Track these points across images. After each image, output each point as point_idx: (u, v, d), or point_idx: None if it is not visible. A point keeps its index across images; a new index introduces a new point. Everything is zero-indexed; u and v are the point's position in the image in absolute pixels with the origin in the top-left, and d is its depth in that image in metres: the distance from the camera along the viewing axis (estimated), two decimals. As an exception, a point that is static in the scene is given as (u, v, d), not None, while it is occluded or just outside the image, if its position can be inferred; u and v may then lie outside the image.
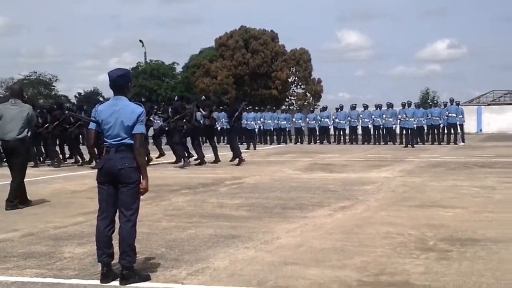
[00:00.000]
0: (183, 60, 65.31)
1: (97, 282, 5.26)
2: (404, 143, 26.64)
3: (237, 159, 17.76)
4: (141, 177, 5.38)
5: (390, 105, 28.45)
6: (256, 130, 29.86)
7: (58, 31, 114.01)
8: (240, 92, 52.50)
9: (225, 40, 54.36)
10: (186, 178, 13.80)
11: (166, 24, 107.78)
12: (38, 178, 14.27)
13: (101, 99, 53.90)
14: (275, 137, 31.89)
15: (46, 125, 18.44)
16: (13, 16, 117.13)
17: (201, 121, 18.30)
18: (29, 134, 10.05)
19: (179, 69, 62.25)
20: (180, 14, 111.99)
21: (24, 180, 10.02)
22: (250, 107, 32.00)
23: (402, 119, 27.02)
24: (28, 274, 5.58)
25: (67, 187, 12.10)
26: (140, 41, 59.28)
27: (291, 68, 54.94)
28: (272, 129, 31.57)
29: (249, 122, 28.80)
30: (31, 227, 7.95)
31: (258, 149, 25.74)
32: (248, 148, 25.88)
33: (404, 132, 27.17)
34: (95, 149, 6.69)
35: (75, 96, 73.62)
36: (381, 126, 28.69)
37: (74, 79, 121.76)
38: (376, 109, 29.04)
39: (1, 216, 8.94)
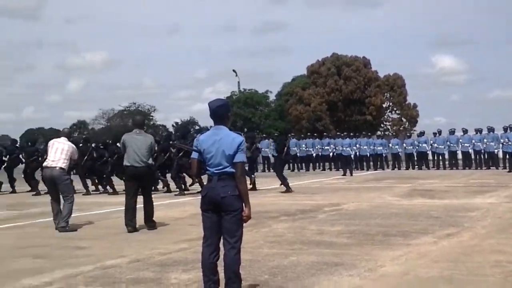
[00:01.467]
0: (276, 88, 65.72)
1: (204, 308, 5.33)
2: (508, 167, 25.70)
3: (286, 188, 18.04)
4: (244, 204, 5.44)
5: (491, 129, 27.59)
6: (352, 156, 29.56)
7: (154, 64, 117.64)
8: (334, 118, 52.35)
9: (317, 68, 54.39)
10: (285, 205, 13.83)
11: (258, 53, 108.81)
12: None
13: (196, 127, 55.01)
14: (371, 163, 31.48)
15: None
16: (112, 51, 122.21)
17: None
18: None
19: (272, 97, 62.83)
20: (271, 44, 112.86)
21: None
22: (345, 133, 31.76)
23: (504, 143, 26.14)
24: (137, 300, 5.73)
25: (170, 214, 12.37)
26: (234, 71, 60.25)
27: (385, 94, 54.26)
28: (368, 155, 31.19)
29: (344, 148, 28.55)
30: (137, 253, 8.18)
31: (355, 175, 25.47)
32: (344, 174, 25.66)
33: (507, 156, 26.24)
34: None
35: (172, 126, 75.37)
36: (482, 151, 27.85)
37: (171, 109, 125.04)
38: (476, 133, 28.20)
39: (108, 243, 9.24)
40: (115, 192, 18.57)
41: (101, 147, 20.49)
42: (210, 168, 5.50)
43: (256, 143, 20.29)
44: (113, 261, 7.70)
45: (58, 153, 10.89)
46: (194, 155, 5.70)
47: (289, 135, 20.47)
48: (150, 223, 10.73)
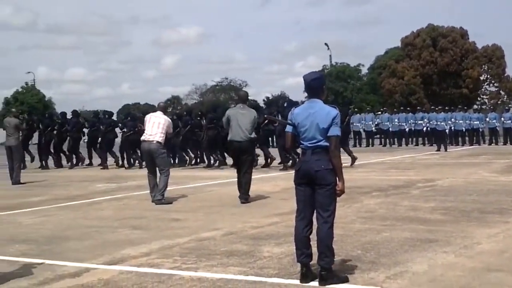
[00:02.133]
0: (369, 62, 64.73)
1: (297, 281, 5.37)
2: None
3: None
4: (337, 178, 5.42)
5: None
6: (447, 131, 28.77)
7: (245, 38, 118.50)
8: (428, 91, 51.04)
9: (412, 39, 53.04)
10: (377, 180, 13.69)
11: (349, 25, 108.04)
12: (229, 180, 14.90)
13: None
14: (467, 138, 30.58)
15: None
16: (205, 26, 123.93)
17: None
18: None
19: (364, 70, 61.94)
20: (363, 15, 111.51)
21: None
22: (439, 107, 30.95)
23: None
24: (232, 272, 5.85)
25: (262, 188, 12.48)
26: (326, 44, 59.76)
27: (483, 66, 52.32)
28: (463, 130, 30.31)
29: (439, 123, 27.79)
30: (230, 226, 8.33)
31: (450, 151, 24.83)
32: (438, 150, 25.03)
33: None
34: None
35: (263, 100, 75.80)
36: None
37: (262, 83, 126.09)
38: None
39: (202, 216, 9.46)
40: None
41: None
42: (304, 142, 5.50)
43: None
44: (207, 233, 7.88)
45: (155, 127, 11.16)
46: (289, 128, 5.71)
47: (350, 107, 20.30)
48: (244, 196, 10.88)
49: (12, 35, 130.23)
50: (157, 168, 11.21)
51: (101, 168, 20.90)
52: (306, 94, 5.79)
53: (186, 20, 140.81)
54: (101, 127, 22.11)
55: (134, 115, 23.12)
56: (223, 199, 11.32)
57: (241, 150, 10.90)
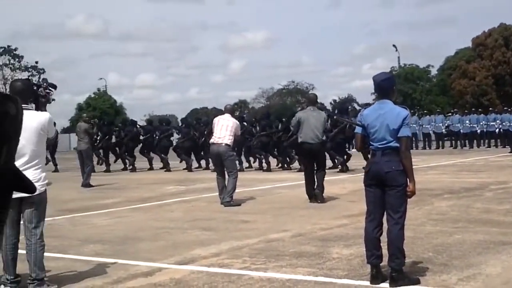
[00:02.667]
0: (438, 63, 63.40)
1: (367, 283, 5.34)
2: None
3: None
4: (408, 180, 5.35)
5: None
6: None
7: (312, 41, 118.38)
8: (500, 92, 49.66)
9: (483, 39, 51.77)
10: (448, 183, 13.42)
11: (419, 26, 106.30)
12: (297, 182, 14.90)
13: (355, 105, 54.51)
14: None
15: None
16: (272, 30, 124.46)
17: None
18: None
19: (434, 71, 60.72)
20: (434, 16, 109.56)
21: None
22: (511, 108, 30.03)
23: None
24: (301, 273, 5.85)
25: (330, 190, 12.37)
26: (394, 45, 58.97)
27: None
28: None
29: (512, 124, 27.05)
30: (299, 228, 8.33)
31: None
32: (512, 152, 24.35)
33: None
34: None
35: (330, 103, 75.55)
36: None
37: (329, 86, 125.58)
38: None
39: (271, 217, 9.50)
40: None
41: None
42: (373, 143, 5.47)
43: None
44: (276, 234, 7.91)
45: (224, 129, 11.27)
46: (358, 129, 5.69)
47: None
48: (320, 197, 11.00)
49: (84, 43, 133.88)
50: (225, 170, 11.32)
51: (165, 171, 21.33)
52: (373, 96, 5.77)
53: (253, 24, 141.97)
54: (156, 133, 22.75)
55: (189, 122, 23.64)
56: (292, 201, 11.33)
57: (313, 152, 11.02)
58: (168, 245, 7.55)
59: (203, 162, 21.88)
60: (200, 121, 23.17)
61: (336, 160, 18.60)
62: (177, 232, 8.44)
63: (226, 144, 11.18)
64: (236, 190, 11.50)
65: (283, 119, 20.63)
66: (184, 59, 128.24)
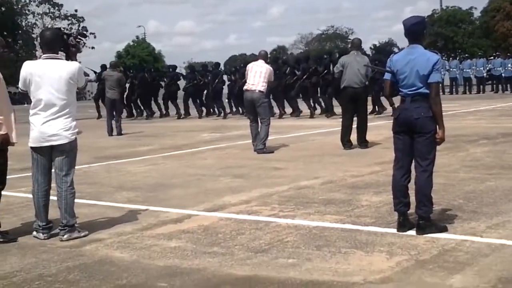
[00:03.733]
0: (482, 4, 61.66)
1: (394, 230, 5.31)
2: None
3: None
4: (437, 126, 5.25)
5: None
6: None
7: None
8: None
9: (530, -21, 50.06)
10: (485, 128, 13.19)
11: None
12: (332, 128, 14.83)
13: (395, 50, 53.59)
14: None
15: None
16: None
17: None
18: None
19: (477, 13, 59.06)
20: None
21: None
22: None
23: None
24: (328, 220, 5.86)
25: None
26: (436, -13, 57.49)
27: None
28: None
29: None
30: (330, 175, 8.32)
31: None
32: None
33: None
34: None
35: (370, 48, 74.35)
36: None
37: (369, 31, 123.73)
38: None
39: (303, 165, 9.50)
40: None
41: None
42: (403, 89, 5.36)
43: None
44: (306, 182, 7.91)
45: (257, 76, 11.20)
46: (387, 76, 5.57)
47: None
48: (364, 143, 11.08)
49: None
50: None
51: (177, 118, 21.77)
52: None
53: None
54: (165, 80, 23.02)
55: (193, 67, 23.97)
56: (325, 148, 11.30)
57: (357, 96, 11.00)
58: (199, 192, 7.63)
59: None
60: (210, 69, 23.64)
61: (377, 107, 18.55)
62: (209, 179, 8.51)
63: (260, 91, 11.12)
64: (270, 137, 11.51)
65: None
66: (222, 5, 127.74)
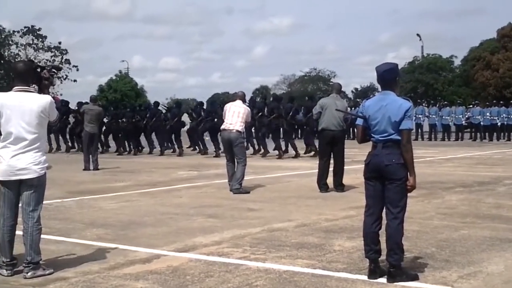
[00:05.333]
0: (462, 53, 62.64)
1: (365, 277, 5.26)
2: None
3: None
4: (408, 173, 5.24)
5: None
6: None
7: (338, 28, 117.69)
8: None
9: (509, 31, 50.83)
10: (462, 176, 13.23)
11: (446, 16, 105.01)
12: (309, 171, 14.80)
13: (376, 94, 54.05)
14: None
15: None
16: (298, 16, 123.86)
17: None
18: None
19: (457, 62, 59.96)
20: (462, 5, 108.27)
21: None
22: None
23: None
24: (299, 264, 5.79)
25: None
26: (418, 35, 58.38)
27: None
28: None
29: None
30: (304, 218, 8.26)
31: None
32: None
33: None
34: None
35: (352, 92, 75.15)
36: None
37: (352, 74, 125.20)
38: None
39: (278, 206, 9.42)
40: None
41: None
42: (374, 135, 5.36)
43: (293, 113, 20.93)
44: (280, 224, 7.84)
45: (235, 116, 11.21)
46: (359, 121, 5.57)
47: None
48: (340, 186, 11.07)
49: (110, 25, 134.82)
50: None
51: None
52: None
53: (280, 10, 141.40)
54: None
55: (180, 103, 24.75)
56: (301, 190, 11.25)
57: (335, 139, 11.03)
58: (171, 231, 7.52)
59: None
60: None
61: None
62: (182, 219, 8.41)
63: (237, 131, 11.12)
64: (247, 177, 11.45)
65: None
66: (208, 43, 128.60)
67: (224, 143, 11.55)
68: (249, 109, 11.75)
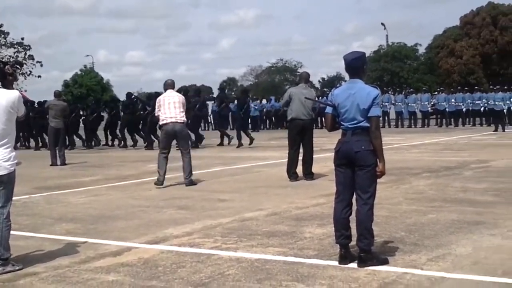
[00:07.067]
0: (426, 41, 63.31)
1: (336, 263, 5.30)
2: None
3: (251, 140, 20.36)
4: (378, 160, 5.29)
5: None
6: (505, 110, 27.88)
7: (304, 19, 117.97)
8: (487, 71, 49.70)
9: (471, 18, 51.61)
10: (429, 161, 13.41)
11: (410, 5, 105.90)
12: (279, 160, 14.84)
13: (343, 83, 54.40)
14: (527, 118, 29.67)
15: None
16: (264, 8, 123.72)
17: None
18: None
19: (422, 50, 60.60)
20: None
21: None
22: (497, 86, 30.07)
23: None
24: (271, 252, 5.81)
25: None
26: (382, 24, 58.90)
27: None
28: (523, 110, 29.36)
29: (497, 103, 27.04)
30: (275, 207, 8.29)
31: (507, 131, 24.14)
32: (496, 130, 24.43)
33: None
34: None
35: (319, 81, 75.55)
36: None
37: (318, 64, 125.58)
38: None
39: (248, 196, 9.44)
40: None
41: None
42: (344, 123, 5.40)
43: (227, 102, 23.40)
44: (251, 213, 7.86)
45: (172, 107, 10.89)
46: (329, 109, 5.60)
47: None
48: (310, 174, 11.12)
49: (74, 20, 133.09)
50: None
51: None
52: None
53: (246, 2, 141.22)
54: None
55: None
56: (271, 180, 11.29)
57: (304, 128, 11.05)
58: (142, 224, 7.49)
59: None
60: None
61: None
62: (152, 211, 8.38)
63: (182, 122, 10.98)
64: (217, 168, 11.44)
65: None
66: (174, 36, 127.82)
67: (168, 136, 11.08)
68: (182, 96, 11.49)
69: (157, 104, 11.13)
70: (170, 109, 10.91)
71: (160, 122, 11.17)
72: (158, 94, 22.67)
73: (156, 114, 11.37)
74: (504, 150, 15.81)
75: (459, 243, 5.85)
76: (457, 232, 6.34)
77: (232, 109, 25.74)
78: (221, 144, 21.57)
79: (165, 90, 11.24)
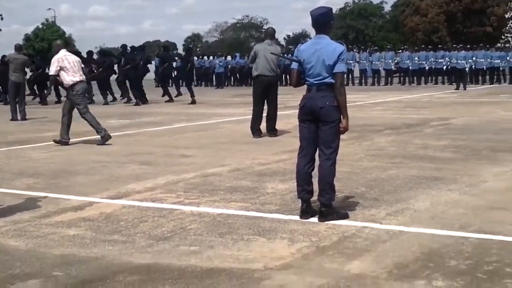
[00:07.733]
0: (392, -1, 63.34)
1: (297, 217, 5.35)
2: None
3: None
4: (342, 116, 5.32)
5: None
6: (467, 69, 28.22)
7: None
8: (451, 30, 50.02)
9: (437, -24, 51.69)
10: (391, 119, 13.55)
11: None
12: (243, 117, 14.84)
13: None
14: (487, 77, 30.10)
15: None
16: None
17: None
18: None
19: (387, 8, 60.71)
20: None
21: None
22: (460, 45, 30.36)
23: None
24: (233, 207, 5.85)
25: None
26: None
27: (509, 4, 50.91)
28: (484, 68, 29.79)
29: (459, 61, 27.32)
30: (238, 163, 8.31)
31: (469, 89, 24.50)
32: (457, 88, 24.75)
33: None
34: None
35: (284, 39, 75.26)
36: None
37: (285, 21, 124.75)
38: None
39: (211, 152, 9.44)
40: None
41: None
42: (309, 79, 5.39)
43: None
44: (214, 169, 7.87)
45: (77, 66, 10.75)
46: (294, 65, 5.57)
47: (193, 50, 25.34)
48: (273, 131, 11.16)
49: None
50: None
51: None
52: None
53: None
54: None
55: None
56: (234, 136, 11.30)
57: (270, 84, 11.05)
58: (103, 179, 7.45)
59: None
60: None
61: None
62: (114, 166, 8.33)
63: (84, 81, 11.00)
64: (180, 124, 11.37)
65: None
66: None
67: (82, 95, 11.10)
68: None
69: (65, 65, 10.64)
70: (77, 68, 10.71)
71: (75, 80, 10.71)
72: (135, 48, 22.67)
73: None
74: (465, 108, 16.05)
75: (418, 198, 5.96)
76: (416, 187, 6.46)
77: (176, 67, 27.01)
78: (170, 100, 21.69)
79: (58, 51, 10.88)
